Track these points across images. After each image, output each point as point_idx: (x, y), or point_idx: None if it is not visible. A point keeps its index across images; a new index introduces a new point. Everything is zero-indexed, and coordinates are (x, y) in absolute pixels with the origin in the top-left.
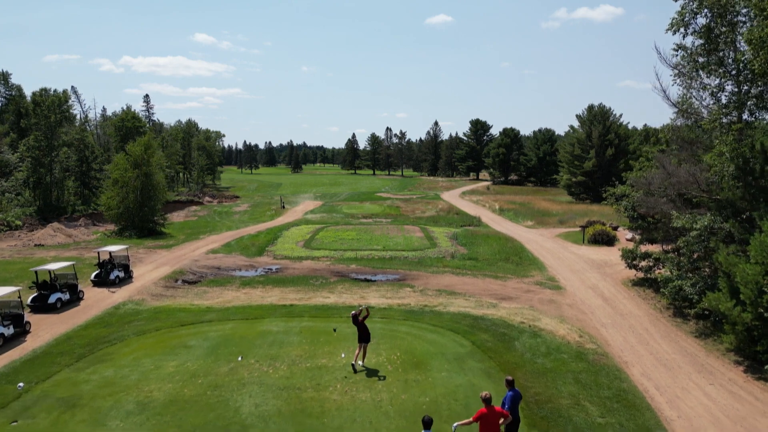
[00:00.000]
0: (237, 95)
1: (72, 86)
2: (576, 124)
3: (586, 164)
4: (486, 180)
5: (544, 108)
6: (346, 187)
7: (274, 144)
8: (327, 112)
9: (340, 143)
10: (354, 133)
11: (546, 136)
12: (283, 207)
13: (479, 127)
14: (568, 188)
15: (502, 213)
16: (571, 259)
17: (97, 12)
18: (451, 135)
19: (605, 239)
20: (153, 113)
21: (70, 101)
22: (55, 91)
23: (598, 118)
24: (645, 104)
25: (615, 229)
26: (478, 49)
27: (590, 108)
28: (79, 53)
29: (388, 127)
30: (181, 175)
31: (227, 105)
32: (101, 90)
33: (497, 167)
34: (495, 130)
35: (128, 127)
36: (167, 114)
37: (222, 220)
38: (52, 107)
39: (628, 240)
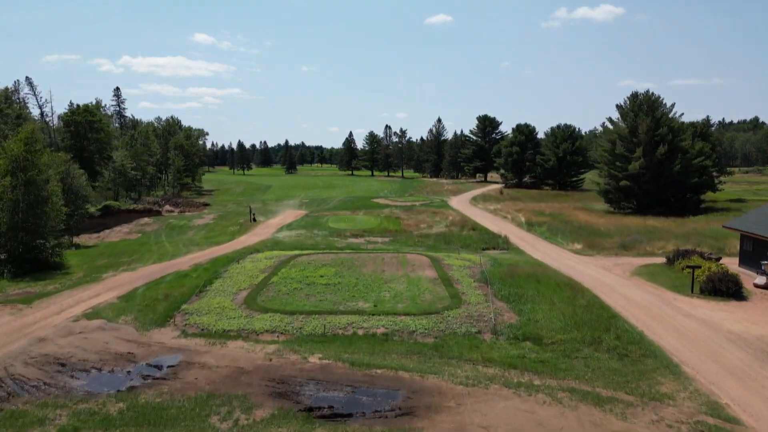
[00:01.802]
0: (237, 95)
1: (26, 77)
2: (615, 115)
3: (631, 165)
4: (496, 182)
5: (544, 107)
6: (339, 191)
7: (272, 144)
8: (327, 112)
9: (339, 143)
10: (351, 132)
11: (566, 133)
12: (254, 220)
13: (487, 124)
14: (606, 194)
15: (532, 228)
16: (704, 336)
17: (96, 12)
18: (455, 133)
19: (731, 288)
20: (125, 108)
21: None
22: None
23: (643, 109)
24: None
25: (717, 260)
26: (478, 48)
27: (634, 97)
28: (78, 53)
29: (387, 125)
30: (162, 177)
31: (227, 105)
32: (101, 90)
33: (510, 168)
34: (505, 127)
35: (78, 122)
36: (167, 114)
37: (165, 241)
38: None
39: (759, 287)
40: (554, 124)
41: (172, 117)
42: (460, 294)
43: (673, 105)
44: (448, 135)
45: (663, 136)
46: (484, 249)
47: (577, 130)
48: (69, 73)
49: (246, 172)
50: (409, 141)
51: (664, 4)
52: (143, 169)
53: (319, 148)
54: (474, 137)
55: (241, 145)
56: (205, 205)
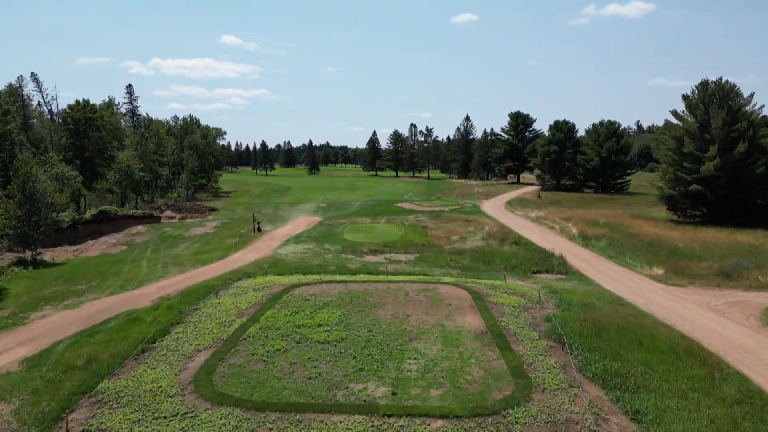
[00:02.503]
0: (263, 96)
1: (31, 72)
2: (681, 107)
3: (704, 167)
4: (531, 184)
5: (572, 106)
6: (361, 193)
7: (297, 144)
8: (352, 112)
9: (363, 143)
10: (375, 131)
11: (610, 131)
12: (258, 230)
13: (520, 122)
14: (669, 201)
15: (588, 243)
16: None
17: (126, 15)
18: (485, 131)
19: None
20: (137, 106)
21: (26, 90)
22: None
23: (716, 100)
24: (677, 102)
25: None
26: (504, 47)
27: (703, 86)
28: (110, 56)
29: (412, 124)
30: (182, 178)
31: (253, 106)
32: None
33: (547, 169)
34: (539, 125)
35: (77, 119)
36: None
37: (146, 258)
38: None
39: None
40: (585, 123)
41: (190, 116)
42: (524, 367)
43: (751, 96)
44: (477, 134)
45: (742, 132)
46: (535, 272)
47: (621, 127)
48: (101, 76)
49: (268, 172)
50: (435, 140)
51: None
52: (153, 170)
53: (344, 148)
54: (506, 136)
55: (264, 145)
56: (212, 210)
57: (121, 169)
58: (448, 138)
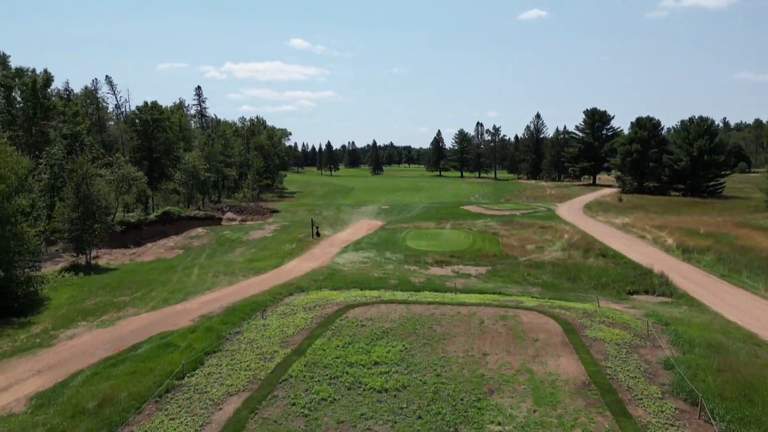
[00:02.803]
0: (330, 98)
1: (106, 75)
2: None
3: None
4: (608, 185)
5: (649, 103)
6: (424, 195)
7: (361, 145)
8: (416, 112)
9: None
10: (439, 131)
11: (701, 128)
12: (317, 234)
13: (596, 119)
14: None
15: (690, 257)
16: None
17: (202, 22)
18: (557, 129)
19: None
20: (206, 108)
21: (100, 93)
22: (33, 71)
23: None
24: (763, 97)
25: None
26: (575, 43)
27: None
28: (186, 61)
29: (479, 122)
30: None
31: (320, 108)
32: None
33: (628, 170)
34: (617, 122)
35: (145, 120)
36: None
37: (198, 264)
38: (26, 91)
39: None
40: (666, 121)
41: (257, 117)
42: None
43: None
44: (548, 132)
45: None
46: (631, 293)
47: (714, 123)
48: (178, 80)
49: (333, 172)
50: (503, 139)
51: None
52: (220, 171)
53: (407, 148)
54: (580, 134)
55: (329, 145)
56: (273, 212)
57: (187, 169)
58: (516, 137)
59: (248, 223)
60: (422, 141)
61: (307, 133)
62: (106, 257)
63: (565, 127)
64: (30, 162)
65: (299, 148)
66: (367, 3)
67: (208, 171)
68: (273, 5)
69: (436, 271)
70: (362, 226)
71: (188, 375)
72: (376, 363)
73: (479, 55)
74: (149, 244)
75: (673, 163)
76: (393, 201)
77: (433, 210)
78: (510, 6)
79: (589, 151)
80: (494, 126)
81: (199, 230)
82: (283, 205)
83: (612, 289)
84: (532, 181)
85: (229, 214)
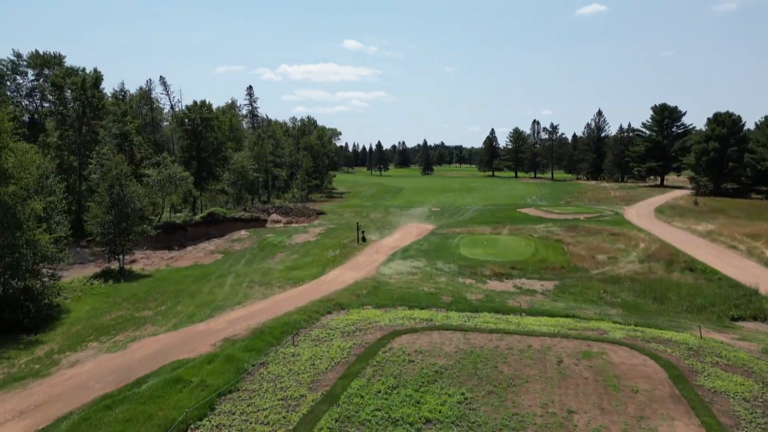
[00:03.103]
0: (382, 98)
1: (160, 76)
2: None
3: None
4: (677, 187)
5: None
6: (477, 196)
7: (411, 144)
8: (468, 111)
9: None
10: (493, 129)
11: None
12: (363, 240)
13: (666, 115)
14: None
15: None
16: None
17: (258, 26)
18: (621, 127)
19: None
20: (257, 108)
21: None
22: (83, 70)
23: None
24: None
25: None
26: (636, 38)
27: None
28: (244, 64)
29: (535, 120)
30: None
31: (372, 108)
32: (263, 97)
33: (703, 170)
34: (689, 119)
35: (193, 119)
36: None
37: (234, 273)
38: (76, 90)
39: None
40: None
41: (308, 117)
42: None
43: None
44: (610, 130)
45: None
46: (735, 318)
47: None
48: (236, 83)
49: (382, 172)
50: (561, 138)
51: None
52: (269, 171)
53: (458, 148)
54: (647, 131)
55: (379, 145)
56: (319, 214)
57: (235, 169)
58: (574, 136)
59: (293, 225)
60: (473, 140)
61: (358, 134)
62: (143, 261)
63: (629, 125)
64: (51, 162)
65: (350, 149)
66: (419, 3)
67: (257, 171)
68: (327, 7)
69: (495, 285)
70: (411, 230)
71: (192, 427)
72: (427, 421)
73: (533, 52)
74: (190, 247)
75: (755, 163)
76: (444, 202)
77: (488, 213)
78: (567, 1)
79: (656, 150)
80: (552, 124)
81: (242, 233)
82: (330, 207)
83: (710, 313)
84: (593, 182)
85: (274, 216)
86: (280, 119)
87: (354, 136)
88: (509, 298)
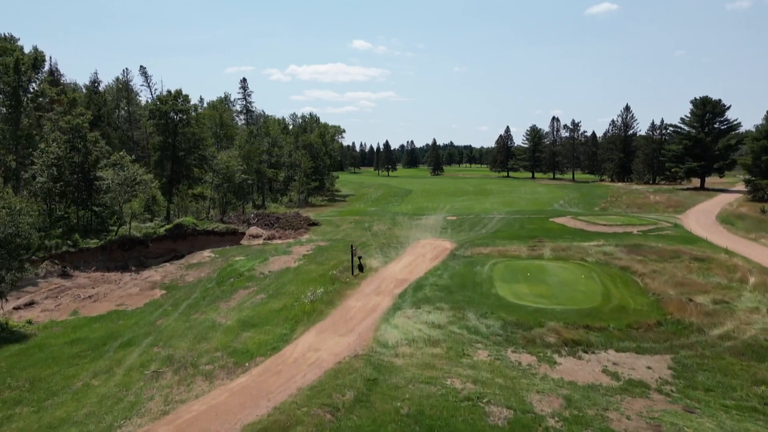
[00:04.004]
0: (390, 98)
1: (140, 66)
2: None
3: None
4: (722, 190)
5: (728, 100)
6: (496, 200)
7: (420, 144)
8: (477, 111)
9: (488, 142)
10: (508, 127)
11: None
12: (360, 269)
13: (708, 110)
14: None
15: None
16: None
17: (267, 26)
18: (653, 123)
19: None
20: (251, 102)
21: (133, 84)
22: (21, 49)
23: None
24: None
25: None
26: (648, 37)
27: None
28: (253, 65)
29: (554, 117)
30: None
31: (381, 108)
32: (272, 97)
33: (761, 171)
34: (734, 114)
35: (165, 112)
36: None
37: (167, 325)
38: (8, 74)
39: None
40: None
41: (310, 114)
42: None
43: None
44: (640, 127)
45: None
46: None
47: None
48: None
49: (390, 173)
50: (583, 136)
51: None
52: (261, 172)
53: (468, 148)
54: (686, 128)
55: (387, 145)
56: (311, 225)
57: (220, 171)
58: (593, 134)
59: (275, 242)
60: (482, 140)
61: (366, 134)
62: (46, 304)
63: (662, 121)
64: None
65: (357, 148)
66: (428, 3)
67: (246, 172)
68: (336, 8)
69: (571, 368)
70: (424, 250)
71: None
72: None
73: (542, 52)
74: (145, 272)
75: None
76: (459, 208)
77: (515, 223)
78: (577, 0)
79: (697, 149)
80: (573, 120)
81: (206, 254)
82: (329, 214)
83: None
84: (621, 184)
85: (254, 229)
86: (277, 115)
87: (363, 136)
88: (609, 407)
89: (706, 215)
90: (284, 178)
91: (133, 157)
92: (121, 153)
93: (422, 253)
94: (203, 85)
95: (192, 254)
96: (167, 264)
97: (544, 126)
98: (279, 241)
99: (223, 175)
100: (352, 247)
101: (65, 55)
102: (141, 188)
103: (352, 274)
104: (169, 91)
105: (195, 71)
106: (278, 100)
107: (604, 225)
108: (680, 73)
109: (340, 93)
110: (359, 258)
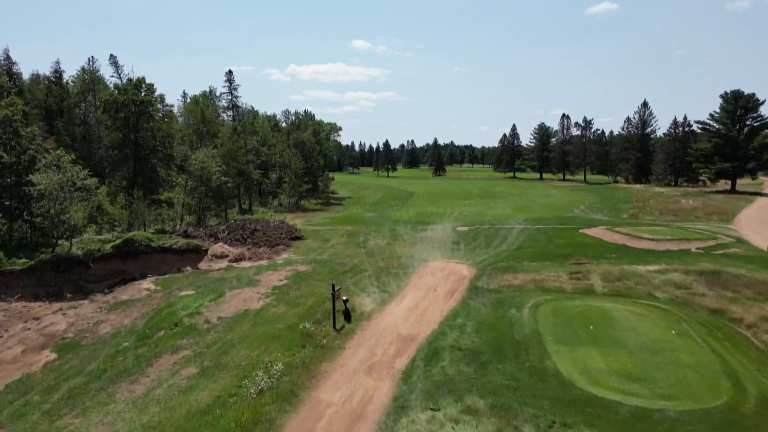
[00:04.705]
0: (390, 98)
1: (110, 55)
2: None
3: None
4: (756, 193)
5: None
6: (508, 204)
7: (420, 144)
8: (477, 111)
9: (488, 142)
10: (514, 125)
11: None
12: (346, 317)
13: (740, 105)
14: None
15: None
16: None
17: (267, 26)
18: (675, 120)
19: None
20: (238, 96)
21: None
22: None
23: None
24: None
25: None
26: (648, 37)
27: None
28: (253, 64)
29: (565, 114)
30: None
31: (381, 108)
32: (272, 96)
33: None
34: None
35: (123, 103)
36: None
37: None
38: None
39: None
40: None
41: (304, 110)
42: None
43: None
44: (658, 125)
45: None
46: None
47: None
48: (245, 83)
49: (390, 173)
50: (596, 135)
51: None
52: (246, 173)
53: (470, 147)
54: (716, 125)
55: (387, 144)
56: (294, 239)
57: (193, 172)
58: (602, 132)
59: (242, 264)
60: (482, 140)
61: (366, 134)
62: None
63: (685, 118)
64: None
65: (356, 148)
66: (428, 3)
67: (226, 174)
68: (336, 7)
69: None
70: (435, 279)
71: None
72: None
73: (542, 52)
74: (86, 302)
75: None
76: (469, 215)
77: (540, 236)
78: (577, 0)
79: (728, 147)
80: (585, 118)
81: (145, 286)
82: (320, 221)
83: None
84: (640, 186)
85: (219, 247)
86: (274, 114)
87: (362, 136)
88: None
89: (762, 225)
90: (276, 180)
91: (99, 156)
92: (58, 152)
93: (432, 286)
94: (203, 85)
95: (125, 287)
96: (85, 302)
97: (552, 124)
98: (248, 264)
99: (198, 177)
100: (333, 291)
101: (65, 55)
102: (83, 195)
103: (334, 327)
104: (129, 79)
105: (195, 71)
106: (278, 100)
107: (651, 240)
108: (680, 73)
109: (340, 93)
110: (345, 301)
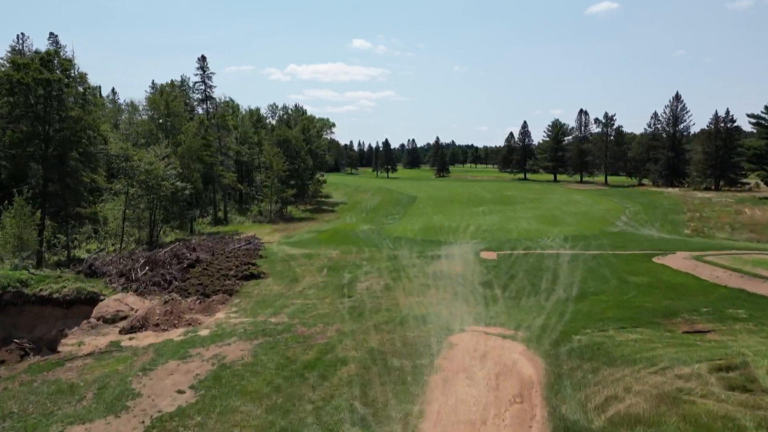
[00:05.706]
0: (390, 98)
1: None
2: None
3: None
4: None
5: (727, 101)
6: (528, 212)
7: (421, 144)
8: (477, 111)
9: (489, 142)
10: (525, 122)
11: None
12: None
13: None
14: None
15: None
16: None
17: (267, 26)
18: (717, 114)
19: None
20: (212, 85)
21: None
22: None
23: None
24: None
25: None
26: (648, 37)
27: None
28: (252, 64)
29: (582, 110)
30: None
31: (381, 108)
32: (272, 96)
33: None
34: (698, 118)
35: (26, 84)
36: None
37: None
38: None
39: None
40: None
41: (295, 105)
42: None
43: None
44: (692, 121)
45: None
46: None
47: None
48: (244, 82)
49: (390, 174)
50: (619, 131)
51: None
52: (214, 177)
53: (472, 147)
54: (765, 123)
55: (386, 144)
56: (247, 278)
57: (139, 178)
58: (618, 130)
59: (135, 342)
60: (483, 140)
61: (366, 133)
62: None
63: (727, 111)
64: None
65: (355, 147)
66: (428, 3)
67: (185, 178)
68: (336, 7)
69: None
70: (476, 395)
71: None
72: None
73: (542, 52)
74: None
75: None
76: (489, 230)
77: (603, 269)
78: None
79: None
80: (606, 114)
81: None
82: (299, 239)
83: None
84: (674, 190)
85: (114, 302)
86: (258, 108)
87: (362, 135)
88: None
89: None
90: (259, 184)
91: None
92: None
93: (474, 417)
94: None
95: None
96: None
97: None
98: (149, 338)
99: (143, 183)
100: None
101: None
102: None
103: None
104: (37, 51)
105: (194, 70)
106: (278, 100)
107: (765, 281)
108: (680, 73)
109: (339, 92)
110: None
